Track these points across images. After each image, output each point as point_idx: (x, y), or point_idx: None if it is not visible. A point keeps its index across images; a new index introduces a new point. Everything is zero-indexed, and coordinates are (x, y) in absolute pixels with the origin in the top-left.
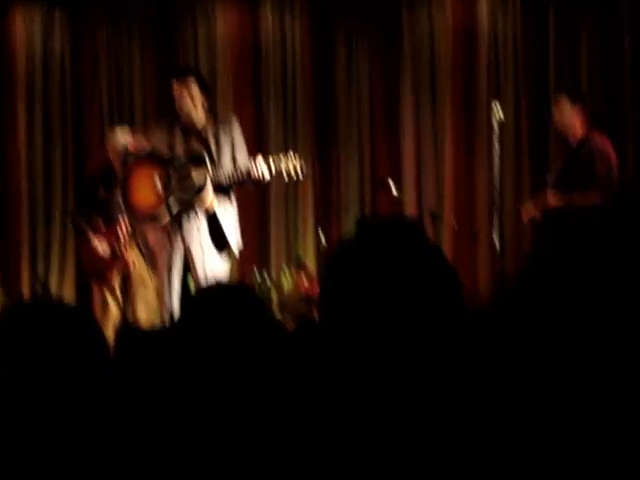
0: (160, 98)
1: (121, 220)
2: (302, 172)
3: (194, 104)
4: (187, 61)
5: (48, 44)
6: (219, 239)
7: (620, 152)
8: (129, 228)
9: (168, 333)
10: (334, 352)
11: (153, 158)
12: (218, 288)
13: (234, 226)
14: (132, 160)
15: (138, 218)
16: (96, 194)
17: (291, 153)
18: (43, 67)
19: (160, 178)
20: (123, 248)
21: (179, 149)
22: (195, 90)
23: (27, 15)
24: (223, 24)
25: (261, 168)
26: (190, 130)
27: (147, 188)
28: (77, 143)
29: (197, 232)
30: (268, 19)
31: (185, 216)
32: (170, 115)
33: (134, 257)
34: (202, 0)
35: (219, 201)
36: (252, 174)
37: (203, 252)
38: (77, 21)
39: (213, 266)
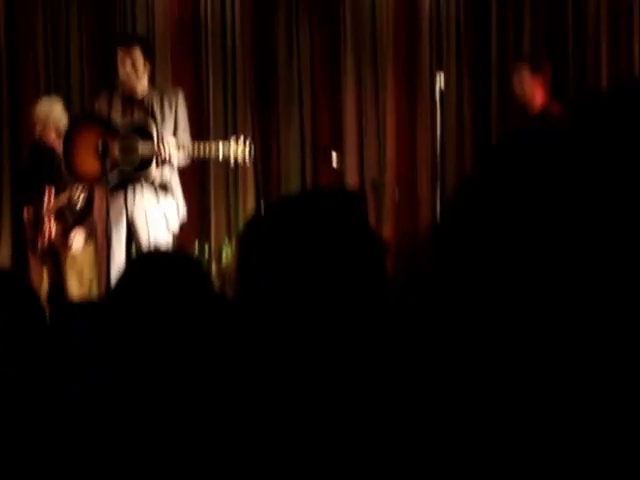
0: (97, 65)
1: (47, 191)
2: (250, 157)
3: (137, 74)
4: (125, 27)
5: None
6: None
7: None
8: (52, 200)
9: (103, 301)
10: (250, 328)
11: (97, 122)
12: (156, 255)
13: (178, 199)
14: (77, 121)
15: (79, 180)
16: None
17: (242, 139)
18: None
19: (102, 144)
20: (46, 218)
21: (118, 119)
22: (140, 59)
23: None
24: None
25: (207, 153)
26: (132, 100)
27: (89, 151)
28: (12, 112)
29: (141, 204)
30: None
31: (129, 187)
32: (109, 83)
33: (55, 229)
34: None
35: (162, 175)
36: (196, 156)
37: (147, 224)
38: None
39: (157, 238)
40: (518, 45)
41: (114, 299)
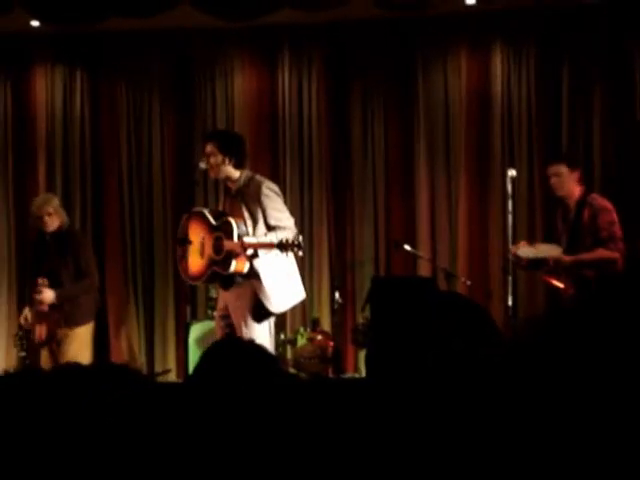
0: (179, 156)
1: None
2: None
3: (214, 167)
4: (205, 121)
5: (69, 104)
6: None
7: (632, 216)
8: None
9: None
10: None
11: (202, 218)
12: (227, 343)
13: (280, 282)
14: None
15: (187, 280)
16: None
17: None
18: (63, 126)
19: (205, 244)
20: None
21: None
22: (216, 154)
23: (48, 75)
24: (241, 84)
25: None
26: (227, 190)
27: (196, 252)
28: (96, 202)
29: (235, 297)
30: (285, 80)
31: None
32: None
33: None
34: (221, 60)
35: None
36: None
37: (241, 316)
38: (97, 81)
39: (251, 330)
40: (588, 143)
41: (195, 381)
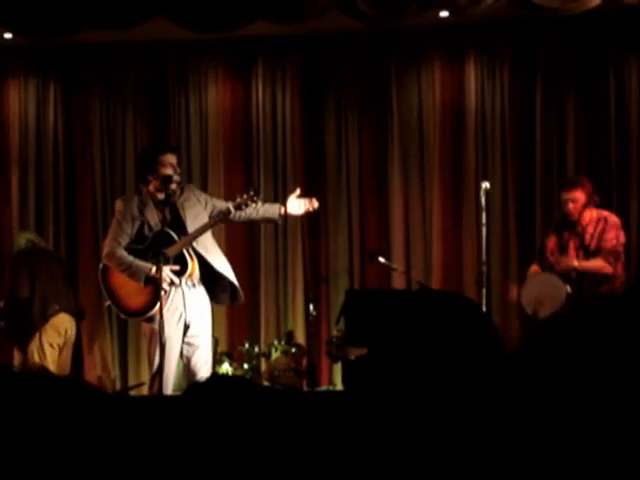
0: None
1: None
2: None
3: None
4: (179, 133)
5: (42, 116)
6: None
7: None
8: None
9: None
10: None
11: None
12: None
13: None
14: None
15: (131, 317)
16: None
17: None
18: (36, 138)
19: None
20: None
21: (153, 220)
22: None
23: (21, 87)
24: (215, 97)
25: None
26: (167, 202)
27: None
28: (69, 215)
29: (193, 302)
30: (259, 91)
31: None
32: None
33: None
34: (195, 73)
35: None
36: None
37: (202, 320)
38: (71, 94)
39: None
40: (562, 156)
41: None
